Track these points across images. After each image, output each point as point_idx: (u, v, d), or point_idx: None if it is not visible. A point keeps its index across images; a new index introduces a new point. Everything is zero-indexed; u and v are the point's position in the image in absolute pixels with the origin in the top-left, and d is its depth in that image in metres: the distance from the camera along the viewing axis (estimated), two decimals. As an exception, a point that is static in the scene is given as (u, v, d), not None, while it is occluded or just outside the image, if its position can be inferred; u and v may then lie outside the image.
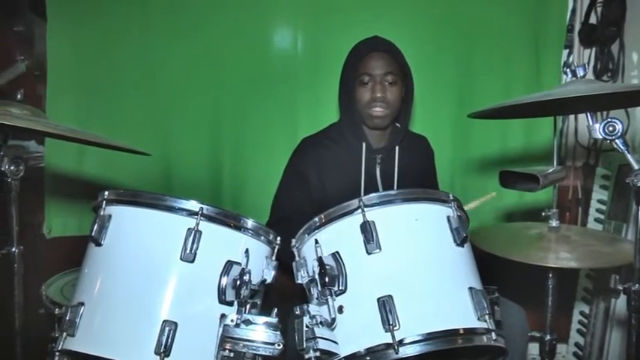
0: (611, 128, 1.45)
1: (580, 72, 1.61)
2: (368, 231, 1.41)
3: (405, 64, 2.10)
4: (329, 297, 1.39)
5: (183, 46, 2.63)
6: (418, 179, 2.15)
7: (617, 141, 1.46)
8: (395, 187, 2.12)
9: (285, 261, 1.57)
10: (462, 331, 1.36)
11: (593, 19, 2.85)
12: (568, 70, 1.66)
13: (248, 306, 1.39)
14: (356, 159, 2.12)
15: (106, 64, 2.61)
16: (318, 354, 1.32)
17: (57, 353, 1.34)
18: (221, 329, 1.33)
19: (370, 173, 2.13)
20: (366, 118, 2.09)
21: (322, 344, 1.33)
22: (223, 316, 1.36)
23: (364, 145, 2.12)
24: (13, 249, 1.68)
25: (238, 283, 1.39)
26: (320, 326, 1.36)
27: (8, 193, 1.66)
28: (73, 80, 2.61)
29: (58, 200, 2.66)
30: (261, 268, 1.48)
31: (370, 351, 1.34)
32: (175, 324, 1.32)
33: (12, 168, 1.64)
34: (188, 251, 1.36)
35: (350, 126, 2.13)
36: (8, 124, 1.48)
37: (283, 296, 2.16)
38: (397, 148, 2.15)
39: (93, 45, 2.60)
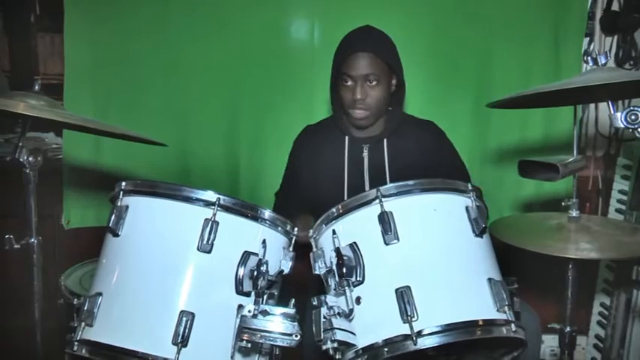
0: (633, 117, 1.42)
1: (602, 59, 1.58)
2: (386, 221, 1.40)
3: (392, 58, 2.06)
4: (347, 288, 1.39)
5: (200, 38, 2.63)
6: (418, 166, 2.06)
7: (639, 130, 1.43)
8: (387, 176, 2.11)
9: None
10: (480, 323, 1.36)
11: (615, 6, 2.79)
12: (589, 57, 1.62)
13: (265, 297, 1.39)
14: (341, 150, 2.15)
15: (124, 56, 2.62)
16: (335, 345, 1.32)
17: (75, 343, 1.35)
18: (238, 320, 1.32)
19: (357, 164, 2.13)
20: (349, 117, 2.10)
21: (340, 335, 1.33)
22: (240, 306, 1.35)
23: (347, 138, 2.15)
24: (32, 240, 1.69)
25: (255, 273, 1.39)
26: (338, 317, 1.35)
27: (27, 184, 1.67)
28: (91, 74, 2.62)
29: (77, 191, 2.68)
30: (279, 259, 1.49)
31: (388, 342, 1.34)
32: (193, 314, 1.32)
33: (31, 159, 1.64)
34: (205, 242, 1.37)
35: (338, 119, 2.16)
36: (26, 115, 1.49)
37: (300, 287, 2.17)
38: (385, 139, 2.13)
39: (111, 38, 2.61)
